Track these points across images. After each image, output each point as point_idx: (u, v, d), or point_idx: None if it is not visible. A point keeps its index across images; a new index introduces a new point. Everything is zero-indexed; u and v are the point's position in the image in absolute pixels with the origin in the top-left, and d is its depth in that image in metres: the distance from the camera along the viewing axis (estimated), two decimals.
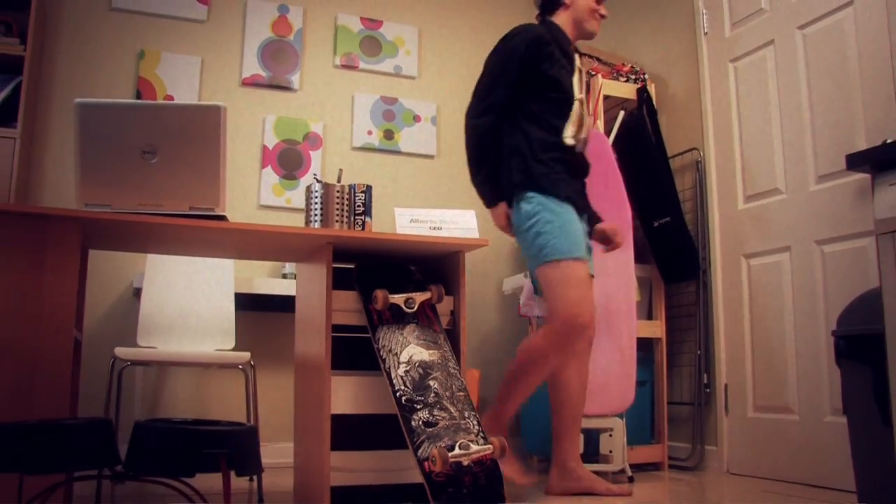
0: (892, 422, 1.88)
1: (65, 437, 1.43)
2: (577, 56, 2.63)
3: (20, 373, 1.77)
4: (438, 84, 4.09)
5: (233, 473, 1.56)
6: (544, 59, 2.47)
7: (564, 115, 2.49)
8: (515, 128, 2.48)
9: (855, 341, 2.20)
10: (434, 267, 2.41)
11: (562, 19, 2.61)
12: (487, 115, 2.48)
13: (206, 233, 2.01)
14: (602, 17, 2.64)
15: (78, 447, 1.45)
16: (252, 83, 3.71)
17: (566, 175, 2.45)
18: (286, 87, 3.77)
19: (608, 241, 2.62)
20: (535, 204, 2.37)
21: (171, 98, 3.53)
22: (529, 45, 2.47)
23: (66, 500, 1.85)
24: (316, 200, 2.20)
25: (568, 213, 2.39)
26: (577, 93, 2.52)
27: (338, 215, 2.20)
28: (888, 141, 2.18)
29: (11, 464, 1.40)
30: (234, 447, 1.52)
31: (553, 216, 2.35)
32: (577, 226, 2.42)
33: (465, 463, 1.90)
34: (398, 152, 3.92)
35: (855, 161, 2.06)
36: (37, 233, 1.84)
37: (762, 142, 3.11)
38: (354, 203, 2.25)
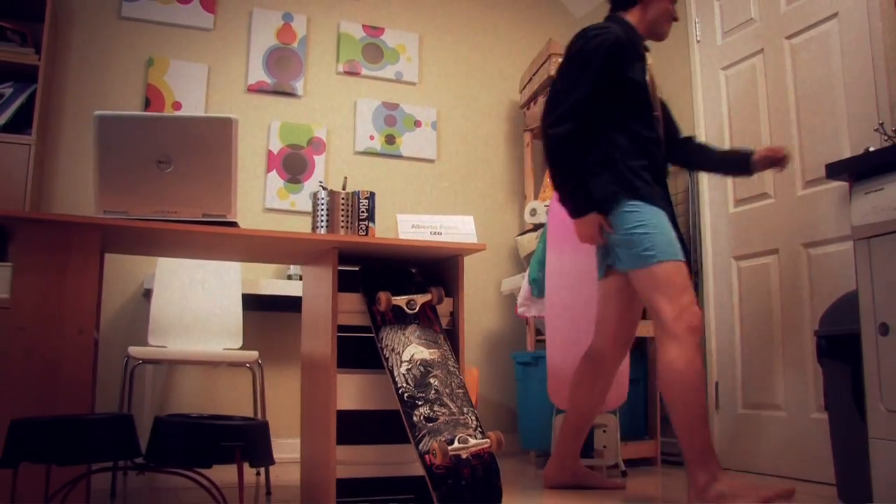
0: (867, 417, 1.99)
1: (93, 431, 1.54)
2: (647, 55, 2.51)
3: (46, 370, 1.88)
4: (438, 90, 4.19)
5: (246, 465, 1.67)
6: (625, 62, 2.36)
7: (646, 118, 2.41)
8: (602, 137, 2.38)
9: (835, 341, 2.31)
10: (434, 270, 2.52)
11: (635, 17, 2.48)
12: (567, 121, 2.31)
13: (218, 238, 2.12)
14: (675, 19, 2.52)
15: (104, 440, 1.56)
16: (257, 89, 3.82)
17: (654, 182, 2.40)
18: (290, 94, 3.88)
19: (779, 161, 2.49)
20: (636, 208, 2.32)
21: (179, 104, 3.64)
22: (612, 47, 2.33)
23: (87, 492, 1.95)
24: (322, 207, 2.31)
25: (665, 217, 2.35)
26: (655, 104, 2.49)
27: (343, 221, 2.31)
28: (870, 149, 2.28)
29: (43, 455, 1.51)
30: (248, 440, 1.63)
31: (656, 219, 2.31)
32: (673, 231, 2.38)
33: (464, 456, 2.00)
34: (399, 156, 4.03)
35: (834, 170, 2.17)
36: (60, 239, 1.95)
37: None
38: (359, 209, 2.36)
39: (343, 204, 2.31)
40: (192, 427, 1.60)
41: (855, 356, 2.10)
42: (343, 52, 4.00)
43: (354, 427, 2.22)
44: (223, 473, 2.37)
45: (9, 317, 1.89)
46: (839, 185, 2.78)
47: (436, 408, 2.09)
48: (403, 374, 2.13)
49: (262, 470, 2.97)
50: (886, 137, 2.20)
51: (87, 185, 3.48)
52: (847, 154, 2.72)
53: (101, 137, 2.06)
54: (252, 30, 3.86)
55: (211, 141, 2.09)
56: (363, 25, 4.07)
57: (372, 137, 3.98)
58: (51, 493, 1.75)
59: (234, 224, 2.13)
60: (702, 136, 3.49)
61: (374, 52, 4.07)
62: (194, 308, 3.11)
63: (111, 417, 1.60)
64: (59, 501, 1.74)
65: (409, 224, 2.30)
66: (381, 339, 2.20)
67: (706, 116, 3.49)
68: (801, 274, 2.93)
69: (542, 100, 3.91)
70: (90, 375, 1.95)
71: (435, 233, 2.31)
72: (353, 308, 2.26)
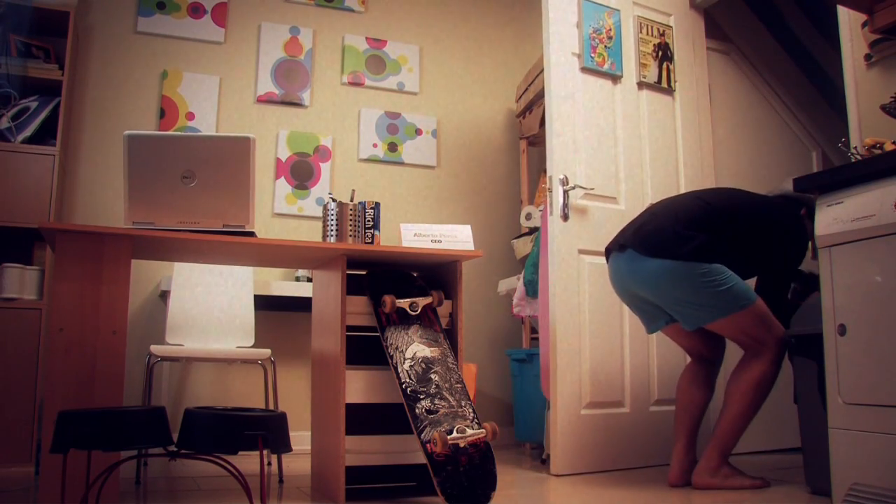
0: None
1: (133, 421, 1.74)
2: None
3: (84, 367, 2.08)
4: (438, 99, 4.39)
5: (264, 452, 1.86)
6: None
7: None
8: None
9: (804, 340, 2.51)
10: (435, 274, 2.72)
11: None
12: None
13: (237, 247, 2.31)
14: None
15: (142, 429, 1.76)
16: (266, 100, 4.01)
17: None
18: (298, 104, 4.07)
19: None
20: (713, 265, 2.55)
21: (192, 115, 3.83)
22: None
23: (114, 479, 2.15)
24: (332, 217, 2.50)
25: None
26: None
27: (351, 230, 2.50)
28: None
29: (90, 442, 1.70)
30: (269, 429, 1.82)
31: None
32: None
33: (462, 445, 2.20)
34: (401, 163, 4.23)
35: (802, 184, 2.36)
36: (95, 248, 2.14)
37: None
38: (365, 219, 2.56)
39: (351, 214, 2.51)
40: (220, 417, 1.80)
41: (820, 354, 2.30)
42: (347, 64, 4.20)
43: (362, 419, 2.42)
44: (242, 464, 2.57)
45: (48, 318, 2.08)
46: None
47: (436, 401, 2.29)
48: (406, 371, 2.33)
49: (275, 460, 3.17)
50: (849, 153, 2.39)
51: (106, 193, 3.68)
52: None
53: (131, 154, 2.26)
54: (261, 43, 4.05)
55: (230, 157, 2.29)
56: (366, 38, 4.26)
57: (375, 145, 4.17)
58: (93, 477, 1.95)
59: (251, 234, 2.32)
60: None
61: (377, 63, 4.26)
62: (209, 308, 3.31)
63: (148, 409, 1.80)
64: (100, 485, 1.95)
65: (411, 233, 2.50)
66: (386, 338, 2.39)
67: None
68: None
69: (537, 109, 4.10)
70: (122, 372, 2.15)
71: (435, 241, 2.51)
72: (360, 310, 2.46)
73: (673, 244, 2.52)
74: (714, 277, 2.50)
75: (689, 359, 2.84)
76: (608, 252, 2.76)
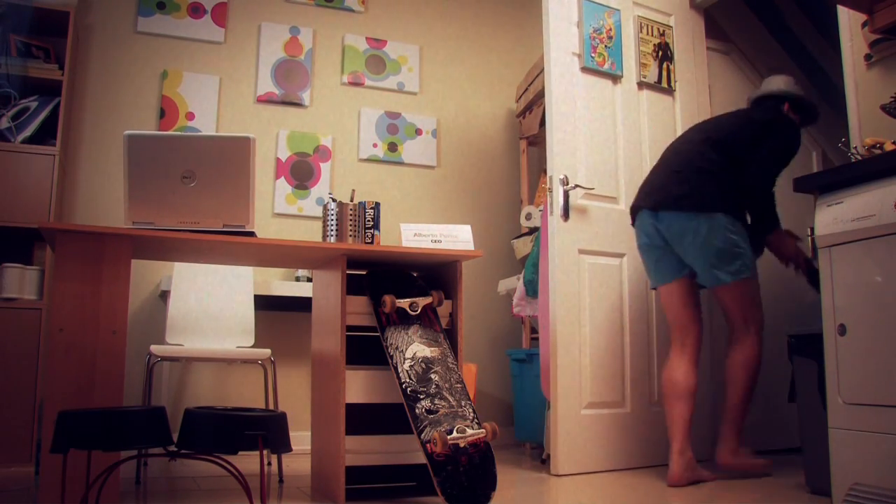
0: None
1: (133, 421, 1.74)
2: None
3: (83, 367, 2.08)
4: (438, 99, 4.39)
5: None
6: None
7: None
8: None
9: (804, 340, 2.51)
10: (435, 274, 2.72)
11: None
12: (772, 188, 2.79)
13: (238, 247, 2.31)
14: None
15: (142, 429, 1.76)
16: (266, 100, 4.01)
17: None
18: (298, 104, 4.07)
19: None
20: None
21: (192, 115, 3.83)
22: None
23: (114, 479, 2.15)
24: (332, 217, 2.50)
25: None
26: None
27: (351, 230, 2.50)
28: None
29: (90, 442, 1.71)
30: (269, 429, 1.82)
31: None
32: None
33: (462, 445, 2.20)
34: (401, 163, 4.23)
35: (801, 184, 2.36)
36: (95, 248, 2.14)
37: None
38: (365, 219, 2.56)
39: (351, 214, 2.51)
40: (220, 417, 1.80)
41: (821, 354, 2.29)
42: (347, 64, 4.20)
43: (362, 419, 2.42)
44: (242, 464, 2.57)
45: (48, 318, 2.08)
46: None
47: (436, 401, 2.29)
48: (406, 371, 2.33)
49: (275, 460, 3.17)
50: (849, 153, 2.39)
51: (106, 193, 3.68)
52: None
53: (131, 154, 2.25)
54: (261, 43, 4.05)
55: (230, 157, 2.29)
56: (367, 38, 4.26)
57: (375, 145, 4.17)
58: (93, 478, 1.95)
59: (251, 234, 2.32)
60: None
61: (377, 63, 4.26)
62: (209, 308, 3.31)
63: (148, 409, 1.80)
64: (100, 485, 1.95)
65: (411, 233, 2.50)
66: (386, 338, 2.39)
67: None
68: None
69: (537, 109, 4.10)
70: (122, 372, 2.15)
71: (435, 241, 2.51)
72: (360, 310, 2.46)
73: (709, 199, 2.69)
74: (738, 237, 2.70)
75: (671, 357, 2.85)
76: (635, 210, 2.87)
